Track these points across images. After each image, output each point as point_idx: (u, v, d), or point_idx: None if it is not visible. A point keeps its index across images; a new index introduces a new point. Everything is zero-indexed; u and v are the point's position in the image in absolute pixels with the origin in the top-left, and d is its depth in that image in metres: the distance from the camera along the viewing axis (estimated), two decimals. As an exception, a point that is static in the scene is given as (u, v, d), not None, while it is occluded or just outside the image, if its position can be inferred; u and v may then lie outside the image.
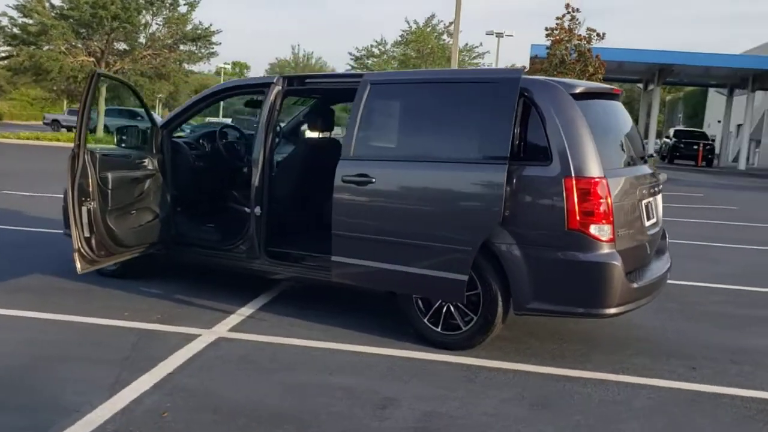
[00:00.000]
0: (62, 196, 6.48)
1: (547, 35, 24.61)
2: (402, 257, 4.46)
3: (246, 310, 5.24)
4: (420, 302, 4.65)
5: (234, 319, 5.03)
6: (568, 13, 24.19)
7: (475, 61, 36.99)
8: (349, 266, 4.69)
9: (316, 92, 6.08)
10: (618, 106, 4.95)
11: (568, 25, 24.23)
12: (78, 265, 4.89)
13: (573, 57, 24.08)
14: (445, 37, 34.32)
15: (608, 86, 4.93)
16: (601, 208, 4.12)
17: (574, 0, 24.12)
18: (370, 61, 34.95)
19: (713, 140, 39.24)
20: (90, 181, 4.85)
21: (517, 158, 4.24)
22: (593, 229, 4.11)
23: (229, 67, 66.41)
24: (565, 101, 4.27)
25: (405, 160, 4.57)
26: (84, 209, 4.83)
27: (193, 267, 6.10)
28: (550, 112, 4.23)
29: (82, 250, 4.86)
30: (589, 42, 23.99)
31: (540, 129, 4.24)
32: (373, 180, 4.55)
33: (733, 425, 3.64)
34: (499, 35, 40.10)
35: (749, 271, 7.78)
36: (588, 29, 24.23)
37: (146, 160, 5.47)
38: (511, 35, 41.36)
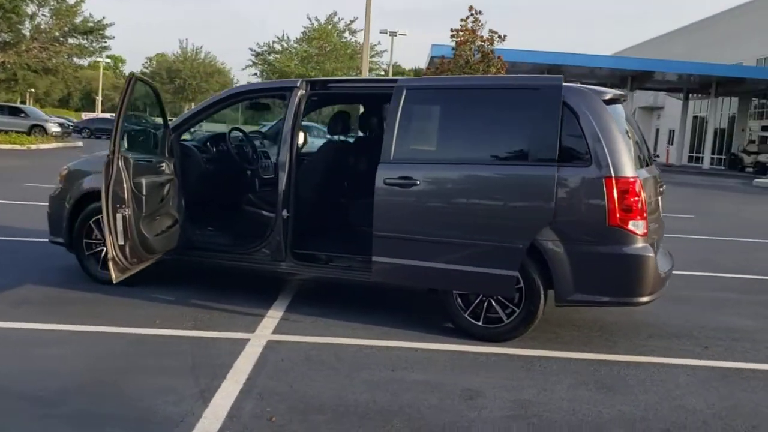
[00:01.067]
0: (47, 203, 6.23)
1: (452, 36, 25.43)
2: (448, 256, 4.66)
3: (274, 313, 5.26)
4: (459, 298, 4.87)
5: (269, 321, 5.04)
6: (471, 15, 25.12)
7: (374, 59, 37.47)
8: (392, 266, 4.83)
9: (339, 96, 6.15)
10: (625, 110, 5.38)
11: (472, 27, 25.15)
12: (113, 275, 4.76)
13: (477, 57, 25.03)
14: (346, 34, 34.59)
15: (619, 92, 5.34)
16: (638, 205, 4.51)
17: (476, 1, 25.06)
18: (271, 57, 34.58)
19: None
20: (124, 187, 4.71)
21: (558, 160, 4.55)
22: (631, 225, 4.49)
23: (109, 61, 63.40)
24: (599, 106, 4.63)
25: (449, 162, 4.77)
26: (119, 216, 4.68)
27: (185, 271, 6.03)
28: (587, 116, 4.56)
29: (116, 259, 4.72)
30: (492, 43, 25.02)
31: (578, 132, 4.57)
32: (418, 182, 4.71)
33: (770, 395, 4.14)
34: (393, 34, 40.86)
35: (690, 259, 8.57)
36: (490, 31, 25.28)
37: (164, 165, 5.35)
38: (405, 34, 42.30)
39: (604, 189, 4.48)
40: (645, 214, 4.55)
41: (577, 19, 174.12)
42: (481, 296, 4.82)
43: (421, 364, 4.35)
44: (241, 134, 6.40)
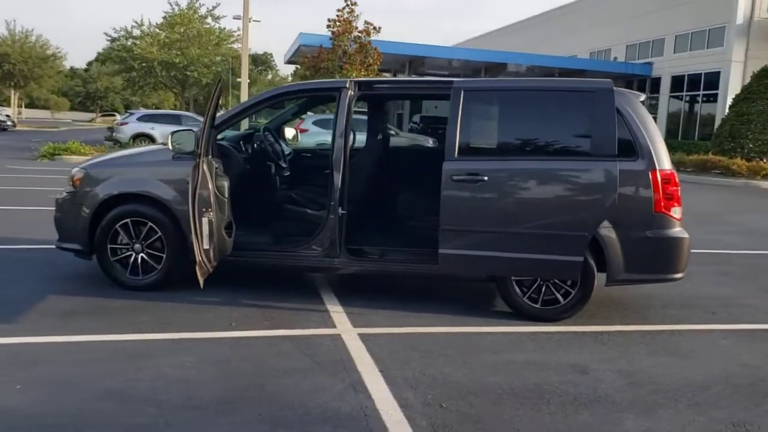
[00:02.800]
0: (54, 207, 5.87)
1: (328, 26, 25.61)
2: (516, 245, 5.05)
3: (333, 307, 5.40)
4: (517, 284, 5.31)
5: (338, 316, 5.18)
6: (347, 5, 25.43)
7: (234, 45, 36.65)
8: (460, 257, 5.14)
9: (389, 96, 6.27)
10: None
11: (347, 17, 25.47)
12: (200, 280, 4.69)
13: (353, 48, 25.41)
14: (209, 20, 33.52)
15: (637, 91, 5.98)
16: (677, 194, 5.18)
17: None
18: (129, 42, 32.71)
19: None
20: (210, 190, 4.63)
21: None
22: (672, 211, 5.16)
23: None
24: (640, 106, 5.24)
25: (514, 159, 5.16)
26: (205, 220, 4.61)
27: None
28: (632, 116, 5.15)
29: (202, 263, 4.65)
30: (368, 35, 25.52)
31: (624, 130, 5.14)
32: (485, 178, 5.06)
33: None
34: (251, 20, 40.13)
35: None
36: (366, 22, 25.74)
37: (219, 166, 5.26)
38: (258, 21, 41.71)
39: (650, 180, 5.10)
40: (680, 202, 5.23)
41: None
42: (538, 281, 5.29)
43: (514, 346, 4.73)
44: (269, 133, 6.35)
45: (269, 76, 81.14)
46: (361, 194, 5.86)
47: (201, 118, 27.71)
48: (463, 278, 5.87)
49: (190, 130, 5.42)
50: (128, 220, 5.59)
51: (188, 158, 5.47)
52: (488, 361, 4.40)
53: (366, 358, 4.34)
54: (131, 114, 26.77)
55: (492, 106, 5.35)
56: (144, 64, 33.21)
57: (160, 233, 5.56)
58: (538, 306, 5.31)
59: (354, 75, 24.87)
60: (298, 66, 34.01)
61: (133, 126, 23.96)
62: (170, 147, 5.35)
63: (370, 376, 4.04)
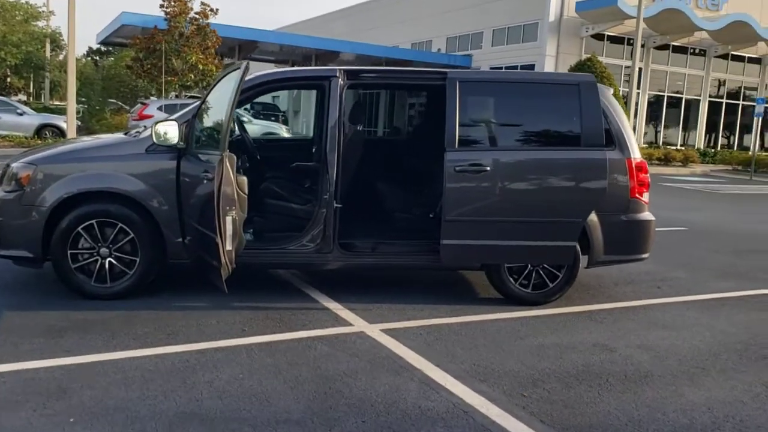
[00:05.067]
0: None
1: (162, 6, 24.13)
2: (517, 233, 5.21)
3: (334, 305, 5.21)
4: (507, 271, 5.48)
5: (346, 314, 5.01)
6: (182, -15, 24.12)
7: (39, 24, 33.26)
8: (462, 248, 5.19)
9: (378, 86, 6.00)
10: None
11: (183, -1, 24.17)
12: (224, 284, 4.30)
13: (188, 30, 24.20)
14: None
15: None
16: (647, 180, 5.63)
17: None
18: None
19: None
20: (233, 187, 4.25)
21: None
22: (644, 196, 5.60)
23: None
24: (612, 98, 5.61)
25: (513, 148, 5.29)
26: (229, 219, 4.22)
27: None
28: (608, 107, 5.50)
29: (226, 265, 4.27)
30: (206, 17, 24.42)
31: (603, 121, 5.48)
32: (487, 168, 5.15)
33: None
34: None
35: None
36: (202, 3, 24.58)
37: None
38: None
39: (626, 168, 5.49)
40: (649, 187, 5.69)
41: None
42: (528, 267, 5.50)
43: (531, 330, 4.89)
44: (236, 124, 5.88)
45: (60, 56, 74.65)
46: (354, 187, 5.69)
47: (14, 102, 24.83)
48: (457, 268, 5.92)
49: (175, 121, 4.91)
50: (94, 221, 4.95)
51: (164, 151, 4.99)
52: (523, 347, 4.52)
53: (411, 354, 4.26)
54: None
55: (488, 97, 5.44)
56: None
57: (132, 235, 5.00)
58: (529, 291, 5.52)
59: (193, 58, 23.75)
60: (126, 46, 31.67)
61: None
62: (154, 138, 4.82)
63: (433, 372, 3.99)
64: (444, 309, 5.28)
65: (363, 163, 5.80)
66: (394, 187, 6.26)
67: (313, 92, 7.07)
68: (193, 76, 24.21)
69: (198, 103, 5.08)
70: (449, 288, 5.96)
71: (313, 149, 6.32)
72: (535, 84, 5.55)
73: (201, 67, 24.00)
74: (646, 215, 5.64)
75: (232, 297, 5.15)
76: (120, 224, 4.98)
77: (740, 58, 34.10)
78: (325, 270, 5.65)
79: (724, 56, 33.49)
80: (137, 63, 24.86)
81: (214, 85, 5.03)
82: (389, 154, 6.74)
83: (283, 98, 37.17)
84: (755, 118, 26.75)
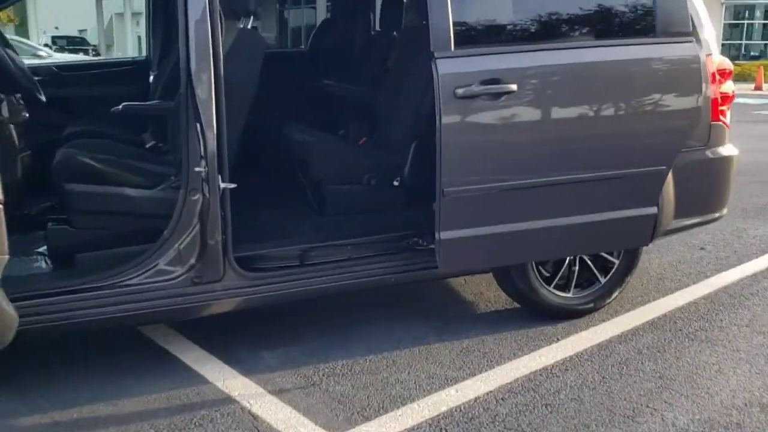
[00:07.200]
0: None
1: None
2: (568, 204, 2.87)
3: (228, 376, 2.61)
4: (537, 269, 3.15)
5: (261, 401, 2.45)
6: None
7: None
8: (475, 243, 2.76)
9: None
10: None
11: None
12: None
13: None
14: None
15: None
16: (731, 92, 3.45)
17: None
18: None
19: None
20: None
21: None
22: (726, 117, 3.42)
23: None
24: None
25: (553, 46, 2.81)
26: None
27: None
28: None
29: None
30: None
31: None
32: (513, 86, 2.67)
33: None
34: None
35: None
36: None
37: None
38: None
39: (708, 72, 3.24)
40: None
41: None
42: (568, 260, 3.20)
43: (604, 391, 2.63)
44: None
45: None
46: (252, 145, 3.02)
47: None
48: (459, 275, 3.41)
49: None
50: None
51: None
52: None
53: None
54: None
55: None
56: None
57: None
58: (570, 294, 3.24)
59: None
60: None
61: None
62: None
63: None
64: (424, 373, 2.83)
65: (268, 99, 3.14)
66: (328, 141, 3.60)
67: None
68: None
69: None
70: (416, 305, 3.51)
71: (159, 77, 3.57)
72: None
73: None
74: (730, 149, 3.47)
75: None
76: None
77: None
78: (210, 315, 2.89)
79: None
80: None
81: None
82: (313, 78, 4.04)
83: (92, 32, 31.25)
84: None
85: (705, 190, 3.44)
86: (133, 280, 2.57)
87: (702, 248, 4.34)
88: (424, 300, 3.45)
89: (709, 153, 3.33)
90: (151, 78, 4.00)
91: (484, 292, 3.53)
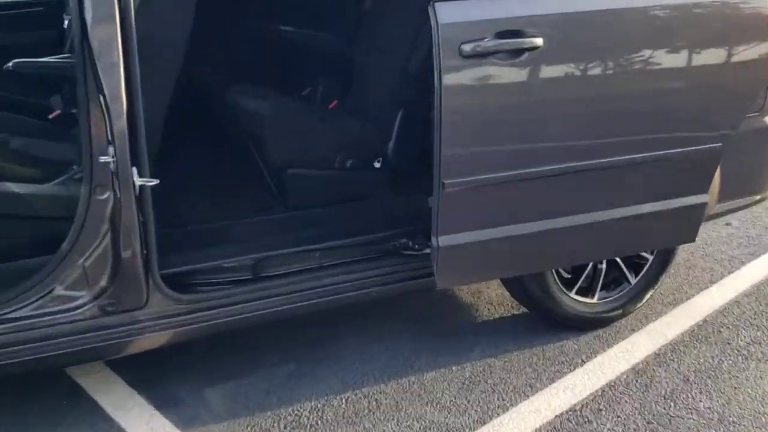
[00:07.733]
0: None
1: None
2: (604, 194, 2.21)
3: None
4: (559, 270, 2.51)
5: None
6: None
7: None
8: (484, 248, 2.10)
9: None
10: None
11: None
12: None
13: None
14: None
15: None
16: None
17: None
18: None
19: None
20: None
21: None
22: None
23: None
24: None
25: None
26: None
27: None
28: None
29: None
30: None
31: None
32: (539, 40, 1.96)
33: None
34: None
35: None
36: None
37: None
38: None
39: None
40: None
41: None
42: (590, 264, 2.56)
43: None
44: None
45: None
46: (182, 122, 2.27)
47: None
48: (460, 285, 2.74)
49: None
50: None
51: None
52: None
53: None
54: None
55: None
56: None
57: None
58: (594, 299, 2.60)
59: None
60: None
61: None
62: None
63: None
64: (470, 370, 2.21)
65: (206, 54, 2.41)
66: (286, 106, 2.82)
67: None
68: None
69: None
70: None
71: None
72: None
73: None
74: None
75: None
76: None
77: None
78: (133, 354, 2.18)
79: None
80: None
81: None
82: (266, 24, 3.23)
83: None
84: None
85: (752, 166, 2.82)
86: (21, 312, 1.87)
87: (728, 224, 3.74)
88: (411, 303, 2.80)
89: (760, 124, 2.69)
90: (66, 23, 3.18)
91: (484, 290, 2.90)
